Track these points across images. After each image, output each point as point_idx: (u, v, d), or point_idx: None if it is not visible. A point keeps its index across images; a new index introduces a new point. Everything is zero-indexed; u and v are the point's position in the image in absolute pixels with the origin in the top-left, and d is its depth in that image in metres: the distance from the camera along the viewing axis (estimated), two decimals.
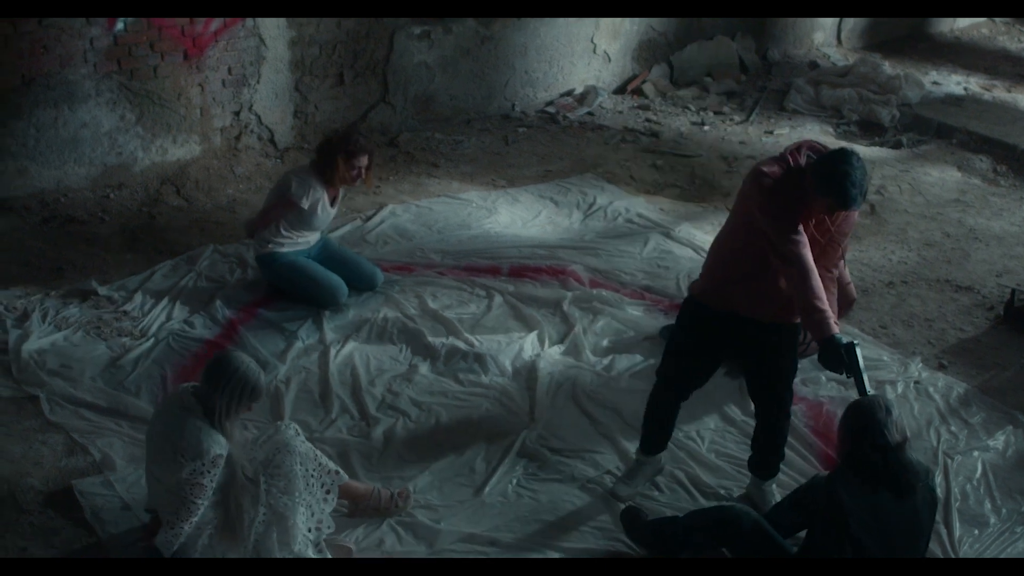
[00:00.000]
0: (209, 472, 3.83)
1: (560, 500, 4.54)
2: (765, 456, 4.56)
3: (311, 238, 5.86)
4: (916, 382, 5.45)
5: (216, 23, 6.93)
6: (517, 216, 6.98)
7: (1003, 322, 6.04)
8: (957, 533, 4.47)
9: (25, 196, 6.62)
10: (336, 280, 5.76)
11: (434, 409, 5.06)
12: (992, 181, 7.92)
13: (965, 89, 9.60)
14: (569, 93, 8.83)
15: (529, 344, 5.55)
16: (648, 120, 8.65)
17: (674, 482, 4.69)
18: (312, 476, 4.07)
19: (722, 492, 4.65)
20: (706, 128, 8.60)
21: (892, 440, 3.73)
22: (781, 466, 4.62)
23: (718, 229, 4.50)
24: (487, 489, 4.57)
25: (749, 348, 4.36)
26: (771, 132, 8.61)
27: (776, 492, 4.56)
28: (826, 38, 10.43)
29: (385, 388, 5.18)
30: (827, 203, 4.03)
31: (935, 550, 4.34)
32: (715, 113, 8.90)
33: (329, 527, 4.11)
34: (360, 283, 5.91)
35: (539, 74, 8.63)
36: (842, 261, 4.63)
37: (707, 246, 4.54)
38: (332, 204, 5.82)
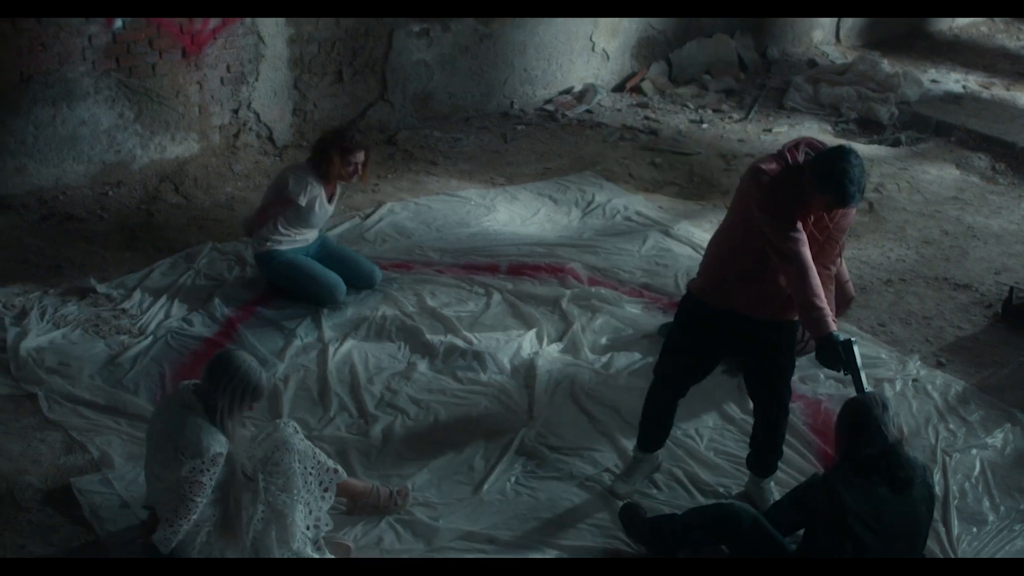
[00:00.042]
0: (209, 470, 3.83)
1: (558, 498, 4.54)
2: (764, 454, 4.56)
3: (309, 236, 5.86)
4: (914, 380, 5.45)
5: (215, 20, 6.93)
6: (516, 214, 6.98)
7: (1001, 320, 6.04)
8: (956, 531, 4.47)
9: (23, 194, 6.62)
10: (334, 278, 5.76)
11: (432, 407, 5.06)
12: (990, 179, 7.92)
13: (964, 87, 9.60)
14: (568, 91, 8.83)
15: (528, 342, 5.55)
16: (647, 118, 8.65)
17: (672, 480, 4.69)
18: (310, 474, 4.07)
19: (720, 490, 4.65)
20: (705, 126, 8.60)
21: (889, 436, 3.73)
22: (779, 464, 4.62)
23: (716, 227, 4.50)
24: (486, 487, 4.57)
25: (747, 346, 4.36)
26: (770, 130, 8.61)
27: (774, 490, 4.56)
28: (825, 36, 10.43)
29: (384, 386, 5.18)
30: (825, 200, 4.03)
31: (934, 548, 4.34)
32: (714, 111, 8.90)
33: (327, 525, 4.11)
34: (359, 281, 5.91)
35: (538, 72, 8.63)
36: (840, 258, 4.63)
37: (705, 244, 4.54)
38: (330, 201, 5.82)
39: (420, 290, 5.96)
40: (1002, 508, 4.64)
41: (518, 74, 8.52)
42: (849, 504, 3.72)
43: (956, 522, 4.52)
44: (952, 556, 4.36)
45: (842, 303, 5.02)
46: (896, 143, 8.47)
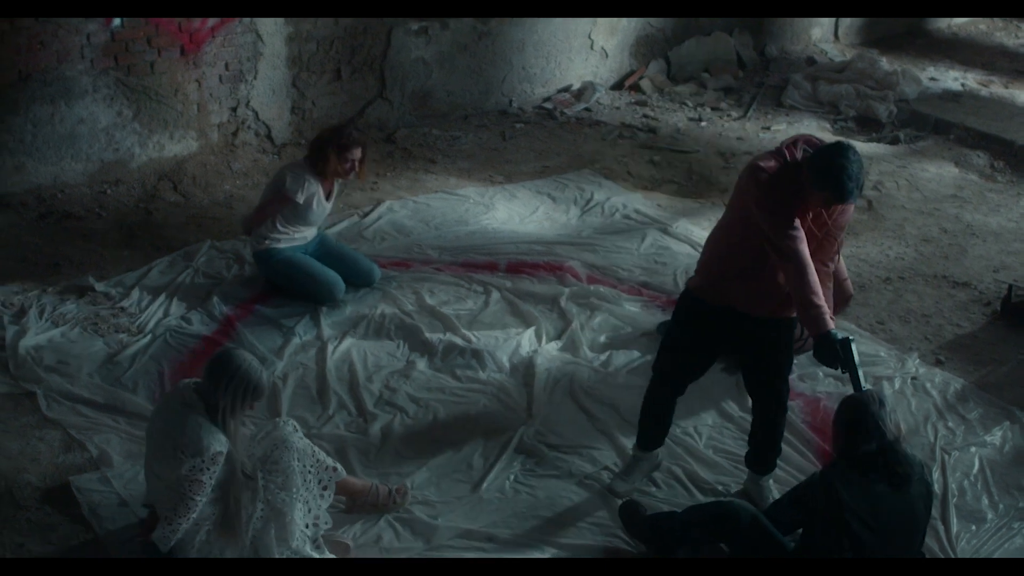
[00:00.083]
0: (209, 469, 3.82)
1: (557, 496, 4.54)
2: (762, 452, 4.56)
3: (308, 233, 5.86)
4: (913, 378, 5.45)
5: (213, 19, 6.92)
6: (514, 212, 6.98)
7: (1000, 318, 6.04)
8: (954, 529, 4.47)
9: (22, 192, 6.62)
10: (333, 276, 5.76)
11: (431, 405, 5.06)
12: (989, 177, 7.92)
13: (962, 85, 9.60)
14: (566, 89, 8.83)
15: (527, 340, 5.55)
16: (645, 116, 8.65)
17: (671, 478, 4.69)
18: (310, 472, 4.06)
19: (719, 488, 4.65)
20: (703, 124, 8.60)
21: (887, 433, 3.74)
22: (778, 462, 4.62)
23: (715, 225, 4.50)
24: (484, 485, 4.57)
25: (746, 343, 4.36)
26: (768, 128, 8.60)
27: (773, 488, 4.56)
28: (823, 34, 10.43)
29: (382, 384, 5.18)
30: (824, 197, 4.03)
31: (933, 546, 4.34)
32: (712, 109, 8.90)
33: (327, 523, 4.11)
34: (357, 279, 5.90)
35: (536, 70, 8.63)
36: (838, 256, 4.63)
37: (704, 242, 4.54)
38: (327, 198, 5.82)
39: (419, 288, 5.96)
40: (1001, 506, 4.64)
41: (517, 72, 8.52)
42: (847, 501, 3.72)
43: (955, 520, 4.52)
44: (951, 554, 4.35)
45: (840, 301, 5.02)
46: (895, 141, 8.47)
